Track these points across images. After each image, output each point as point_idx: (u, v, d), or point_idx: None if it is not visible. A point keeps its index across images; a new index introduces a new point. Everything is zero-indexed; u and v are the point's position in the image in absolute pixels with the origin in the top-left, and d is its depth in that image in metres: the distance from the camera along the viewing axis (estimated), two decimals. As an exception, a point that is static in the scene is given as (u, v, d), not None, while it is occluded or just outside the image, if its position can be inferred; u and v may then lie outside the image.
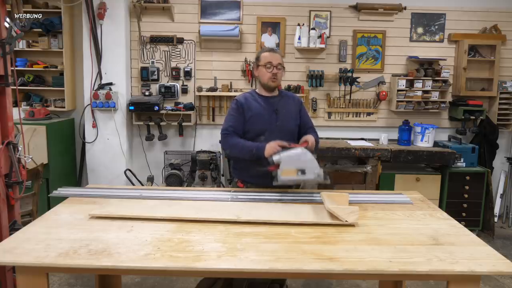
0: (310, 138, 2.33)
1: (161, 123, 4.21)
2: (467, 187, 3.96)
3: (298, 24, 4.16)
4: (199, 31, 4.19)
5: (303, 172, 2.14)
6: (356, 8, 4.24)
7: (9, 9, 2.31)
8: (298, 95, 3.96)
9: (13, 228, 2.27)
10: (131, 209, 2.04)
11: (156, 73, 4.27)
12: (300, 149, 2.18)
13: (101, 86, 4.07)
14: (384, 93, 4.24)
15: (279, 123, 2.44)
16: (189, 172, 4.07)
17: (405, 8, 4.24)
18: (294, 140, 2.45)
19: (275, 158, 2.15)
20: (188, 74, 4.29)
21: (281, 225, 1.90)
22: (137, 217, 1.94)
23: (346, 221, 1.89)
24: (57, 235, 1.73)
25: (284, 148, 2.20)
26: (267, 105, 2.46)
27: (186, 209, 2.07)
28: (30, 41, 4.18)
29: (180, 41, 4.26)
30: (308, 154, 2.16)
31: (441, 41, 4.32)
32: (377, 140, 4.24)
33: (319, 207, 2.11)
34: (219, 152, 4.17)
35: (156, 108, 4.05)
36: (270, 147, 2.22)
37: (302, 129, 2.55)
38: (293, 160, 2.15)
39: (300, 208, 2.11)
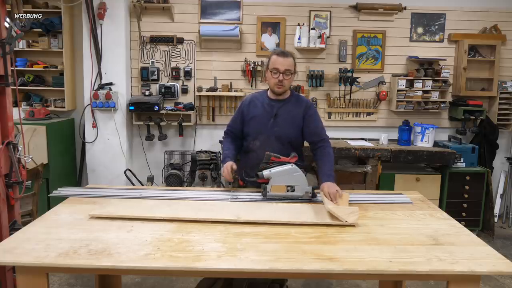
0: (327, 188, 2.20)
1: (161, 123, 4.21)
2: (467, 187, 3.95)
3: (298, 24, 4.16)
4: (199, 31, 4.19)
5: (292, 189, 2.21)
6: (356, 8, 4.24)
7: (9, 9, 2.31)
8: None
9: (13, 228, 2.27)
10: (131, 209, 2.04)
11: (156, 73, 4.27)
12: (290, 165, 2.22)
13: (101, 86, 4.07)
14: (384, 93, 4.24)
15: (277, 129, 2.40)
16: (189, 172, 4.07)
17: (405, 8, 4.24)
18: (293, 148, 2.42)
19: (265, 173, 2.21)
20: (188, 74, 4.29)
21: (281, 225, 1.90)
22: (137, 218, 1.94)
23: (346, 221, 1.89)
24: (57, 235, 1.74)
25: (274, 162, 2.24)
26: (269, 109, 2.43)
27: (186, 209, 2.07)
28: (30, 41, 4.18)
29: (180, 41, 4.26)
30: (298, 171, 2.22)
31: (441, 41, 4.32)
32: (377, 140, 4.24)
33: (319, 206, 2.11)
34: (219, 152, 4.17)
35: (156, 108, 4.05)
36: (223, 169, 2.33)
37: (313, 143, 2.45)
38: (283, 177, 2.21)
39: (300, 208, 2.11)
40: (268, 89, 2.52)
